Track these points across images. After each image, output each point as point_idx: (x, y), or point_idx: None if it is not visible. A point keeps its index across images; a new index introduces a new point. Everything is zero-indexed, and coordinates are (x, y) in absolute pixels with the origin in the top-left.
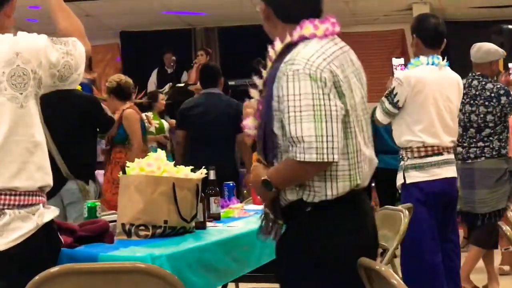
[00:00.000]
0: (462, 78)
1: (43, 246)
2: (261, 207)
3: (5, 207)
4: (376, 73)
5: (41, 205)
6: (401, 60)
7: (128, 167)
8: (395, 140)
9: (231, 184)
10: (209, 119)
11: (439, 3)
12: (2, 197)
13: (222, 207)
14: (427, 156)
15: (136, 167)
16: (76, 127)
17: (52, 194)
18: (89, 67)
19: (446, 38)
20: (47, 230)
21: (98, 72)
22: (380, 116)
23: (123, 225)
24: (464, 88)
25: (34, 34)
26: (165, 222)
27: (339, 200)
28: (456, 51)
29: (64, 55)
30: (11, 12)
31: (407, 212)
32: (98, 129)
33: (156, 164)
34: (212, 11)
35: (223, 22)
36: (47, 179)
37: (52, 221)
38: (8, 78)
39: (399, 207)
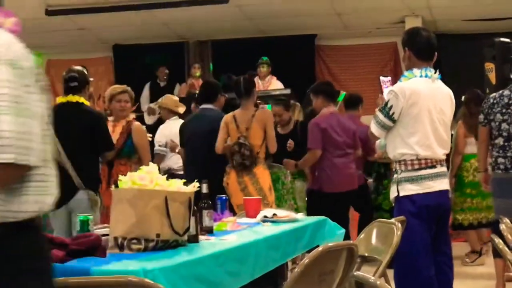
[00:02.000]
0: (455, 89)
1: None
2: (255, 220)
3: None
4: (369, 86)
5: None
6: (389, 78)
7: (120, 180)
8: (389, 154)
9: (224, 197)
10: (199, 134)
11: (431, 16)
12: None
13: (215, 220)
14: (420, 169)
15: (129, 181)
16: (86, 140)
17: (61, 203)
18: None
19: (437, 51)
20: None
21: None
22: (375, 130)
23: (115, 238)
24: (494, 98)
25: None
26: (158, 235)
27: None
28: (448, 63)
29: None
30: None
31: (399, 225)
32: (99, 146)
33: (148, 177)
34: (205, 24)
35: (216, 35)
36: None
37: None
38: None
39: (392, 220)
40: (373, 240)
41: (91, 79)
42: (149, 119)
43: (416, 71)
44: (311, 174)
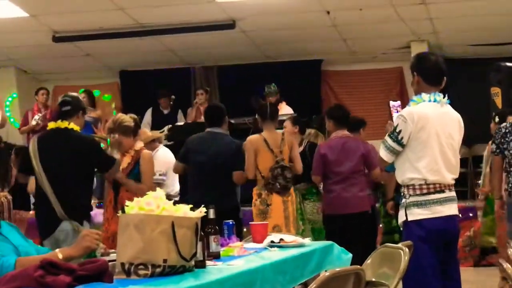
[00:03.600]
0: (461, 113)
1: None
2: (262, 245)
3: None
4: (375, 111)
5: None
6: (398, 102)
7: (127, 206)
8: (397, 178)
9: (231, 223)
10: (207, 157)
11: (437, 41)
12: None
13: (222, 245)
14: (429, 193)
15: (135, 206)
16: (73, 169)
17: (47, 234)
18: (93, 105)
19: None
20: None
21: (98, 109)
22: (384, 155)
23: (122, 264)
24: (506, 128)
25: None
26: (165, 261)
27: None
28: (454, 88)
29: None
30: None
31: (407, 249)
32: (97, 169)
33: (155, 202)
34: (210, 50)
35: (222, 60)
36: None
37: None
38: None
39: (399, 244)
40: (380, 265)
41: (91, 109)
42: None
43: (424, 95)
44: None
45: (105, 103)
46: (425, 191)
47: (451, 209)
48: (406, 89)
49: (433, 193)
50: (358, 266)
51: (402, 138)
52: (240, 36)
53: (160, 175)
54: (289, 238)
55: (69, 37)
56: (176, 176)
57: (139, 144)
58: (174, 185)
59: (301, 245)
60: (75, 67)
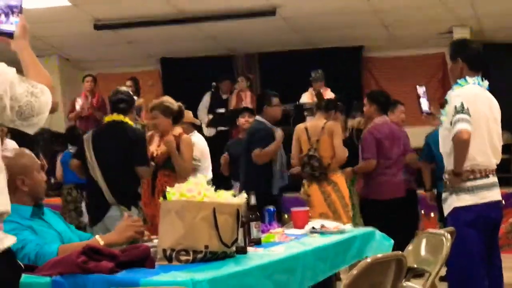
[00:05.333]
0: (504, 100)
1: (5, 271)
2: (303, 231)
3: None
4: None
5: (1, 231)
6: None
7: (168, 192)
8: (446, 163)
9: (272, 209)
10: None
11: (479, 26)
12: None
13: (263, 231)
14: (476, 179)
15: (177, 193)
16: (124, 158)
17: (97, 220)
18: (137, 93)
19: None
20: (8, 256)
21: (141, 97)
22: (469, 128)
23: (164, 250)
24: None
25: (3, 63)
26: (206, 247)
27: None
28: (497, 73)
29: (29, 94)
30: None
31: (449, 236)
32: (132, 160)
33: (196, 189)
34: (252, 37)
35: (263, 47)
36: (6, 205)
37: (11, 247)
38: None
39: (441, 230)
40: (422, 251)
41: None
42: (209, 131)
43: (469, 79)
44: (361, 182)
45: (147, 90)
46: (471, 176)
47: (497, 194)
48: (448, 75)
49: (480, 178)
50: (400, 252)
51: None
52: (281, 23)
53: (194, 159)
54: (330, 224)
55: (110, 25)
56: (209, 163)
57: (178, 130)
58: (207, 171)
59: (342, 231)
60: (116, 55)
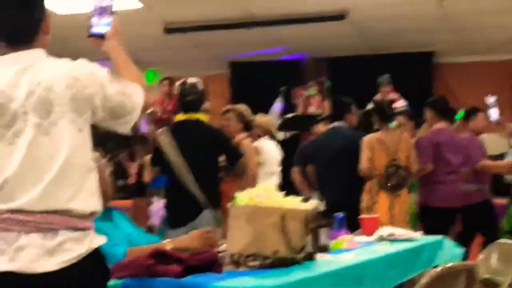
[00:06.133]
0: None
1: (92, 271)
2: (372, 238)
3: (60, 227)
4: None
5: (91, 230)
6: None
7: (237, 197)
8: None
9: (341, 215)
10: (327, 155)
11: None
12: (58, 217)
13: (332, 238)
14: None
15: (246, 198)
16: (210, 158)
17: (184, 223)
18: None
19: None
20: (96, 256)
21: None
22: None
23: (232, 255)
24: None
25: (95, 63)
26: (274, 253)
27: None
28: None
29: (121, 94)
30: (48, 29)
31: None
32: (227, 160)
33: (265, 194)
34: (321, 41)
35: (332, 52)
36: (98, 205)
37: (100, 247)
38: (69, 101)
39: None
40: (494, 262)
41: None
42: (281, 135)
43: None
44: (420, 189)
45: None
46: None
47: None
48: None
49: None
50: (471, 262)
51: None
52: (350, 28)
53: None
54: (399, 231)
55: (180, 29)
56: (277, 170)
57: (242, 135)
58: (274, 177)
59: (411, 239)
60: (185, 58)
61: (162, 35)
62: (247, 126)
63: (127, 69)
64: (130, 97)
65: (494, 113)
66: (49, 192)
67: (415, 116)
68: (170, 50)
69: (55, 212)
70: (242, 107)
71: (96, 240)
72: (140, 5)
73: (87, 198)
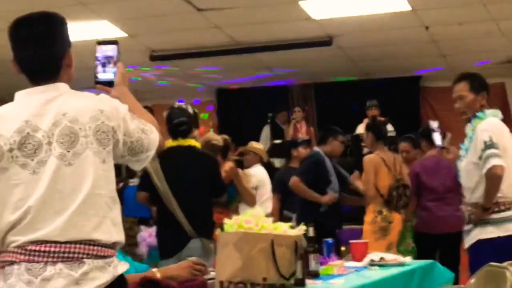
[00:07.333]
0: None
1: None
2: (362, 263)
3: (85, 256)
4: None
5: (115, 257)
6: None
7: (226, 224)
8: (469, 198)
9: (330, 241)
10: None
11: None
12: (83, 246)
13: (321, 264)
14: (500, 211)
15: (235, 224)
16: (200, 186)
17: (173, 253)
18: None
19: None
20: (120, 282)
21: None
22: (502, 162)
23: (221, 282)
24: None
25: (117, 100)
26: (264, 279)
27: None
28: None
29: (139, 131)
30: (71, 61)
31: None
32: (212, 192)
33: (254, 220)
34: (308, 67)
35: (319, 77)
36: (121, 236)
37: (123, 274)
38: (94, 133)
39: (505, 264)
40: (484, 285)
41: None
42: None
43: (489, 111)
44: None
45: (203, 122)
46: (496, 209)
47: None
48: (508, 105)
49: (504, 210)
50: (462, 286)
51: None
52: (337, 53)
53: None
54: (389, 256)
55: (166, 56)
56: (269, 196)
57: (228, 164)
58: (266, 203)
59: (401, 264)
60: (171, 86)
61: (149, 62)
62: (225, 151)
63: (139, 112)
64: (148, 135)
65: (437, 139)
66: (73, 222)
67: (419, 144)
68: (155, 77)
69: (79, 242)
70: (210, 139)
71: (119, 267)
72: (124, 34)
73: (110, 228)
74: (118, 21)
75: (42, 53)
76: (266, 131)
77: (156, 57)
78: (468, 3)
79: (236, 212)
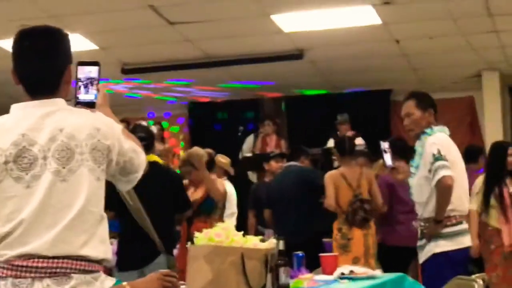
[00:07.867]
0: None
1: None
2: (332, 277)
3: (72, 271)
4: None
5: (101, 272)
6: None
7: (196, 237)
8: (422, 213)
9: (300, 254)
10: (280, 194)
11: (509, 69)
12: (70, 261)
13: (292, 277)
14: (452, 225)
15: (205, 238)
16: (167, 202)
17: (141, 265)
18: (162, 139)
19: None
20: None
21: (166, 142)
22: (451, 174)
23: None
24: None
25: (112, 119)
26: None
27: None
28: None
29: (132, 151)
30: (70, 77)
31: (481, 282)
32: (176, 208)
33: (224, 234)
34: (278, 81)
35: (289, 91)
36: (108, 253)
37: None
38: (90, 150)
39: (473, 277)
40: None
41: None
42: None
43: (436, 128)
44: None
45: (173, 134)
46: (448, 223)
47: (469, 240)
48: (477, 119)
49: (456, 224)
50: None
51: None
52: (308, 66)
53: None
54: (359, 269)
55: (138, 69)
56: (234, 211)
57: (221, 182)
58: (231, 218)
59: (372, 277)
60: (143, 98)
61: (120, 75)
62: (209, 164)
63: (125, 134)
64: (139, 156)
65: (387, 159)
66: (62, 237)
67: (374, 157)
68: (128, 90)
69: (68, 257)
70: (194, 154)
71: (106, 282)
72: (95, 47)
73: (98, 245)
74: (90, 34)
75: (44, 66)
76: (249, 141)
77: (128, 70)
78: (439, 18)
79: (221, 221)
